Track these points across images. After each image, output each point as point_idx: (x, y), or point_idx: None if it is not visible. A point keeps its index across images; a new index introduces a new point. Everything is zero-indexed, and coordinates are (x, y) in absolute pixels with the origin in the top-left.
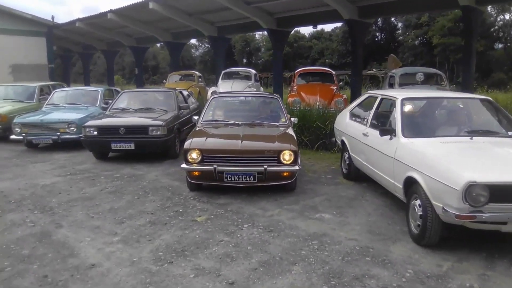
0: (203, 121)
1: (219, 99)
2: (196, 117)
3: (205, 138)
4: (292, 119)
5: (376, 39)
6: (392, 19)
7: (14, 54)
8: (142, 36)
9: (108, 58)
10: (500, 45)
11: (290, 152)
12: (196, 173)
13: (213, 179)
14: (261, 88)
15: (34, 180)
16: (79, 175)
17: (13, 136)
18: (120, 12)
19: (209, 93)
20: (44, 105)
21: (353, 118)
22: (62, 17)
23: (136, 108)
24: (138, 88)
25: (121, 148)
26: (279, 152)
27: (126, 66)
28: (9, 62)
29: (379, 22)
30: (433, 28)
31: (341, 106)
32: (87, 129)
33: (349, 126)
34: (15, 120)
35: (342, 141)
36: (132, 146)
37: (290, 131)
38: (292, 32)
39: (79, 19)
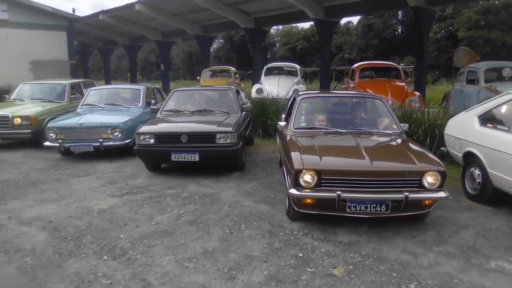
0: (295, 129)
1: (309, 100)
2: (282, 123)
3: (318, 155)
4: (402, 125)
5: (396, 32)
6: None
7: (34, 50)
8: (169, 29)
9: (130, 53)
10: None
11: (437, 173)
12: (309, 200)
13: (332, 209)
14: (305, 86)
15: (85, 203)
16: (139, 195)
17: (47, 143)
18: (149, 3)
19: (253, 91)
20: (79, 106)
21: (490, 125)
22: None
23: (192, 110)
24: (187, 87)
25: (183, 160)
26: (422, 173)
27: (138, 62)
28: (29, 58)
29: (400, 15)
30: (458, 21)
31: (417, 105)
32: (141, 137)
33: (483, 135)
34: (49, 124)
35: (468, 153)
36: (196, 157)
37: (411, 142)
38: (308, 26)
39: (102, 11)
